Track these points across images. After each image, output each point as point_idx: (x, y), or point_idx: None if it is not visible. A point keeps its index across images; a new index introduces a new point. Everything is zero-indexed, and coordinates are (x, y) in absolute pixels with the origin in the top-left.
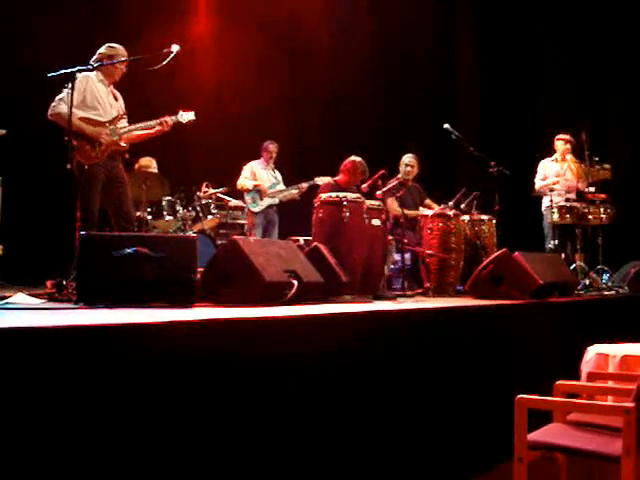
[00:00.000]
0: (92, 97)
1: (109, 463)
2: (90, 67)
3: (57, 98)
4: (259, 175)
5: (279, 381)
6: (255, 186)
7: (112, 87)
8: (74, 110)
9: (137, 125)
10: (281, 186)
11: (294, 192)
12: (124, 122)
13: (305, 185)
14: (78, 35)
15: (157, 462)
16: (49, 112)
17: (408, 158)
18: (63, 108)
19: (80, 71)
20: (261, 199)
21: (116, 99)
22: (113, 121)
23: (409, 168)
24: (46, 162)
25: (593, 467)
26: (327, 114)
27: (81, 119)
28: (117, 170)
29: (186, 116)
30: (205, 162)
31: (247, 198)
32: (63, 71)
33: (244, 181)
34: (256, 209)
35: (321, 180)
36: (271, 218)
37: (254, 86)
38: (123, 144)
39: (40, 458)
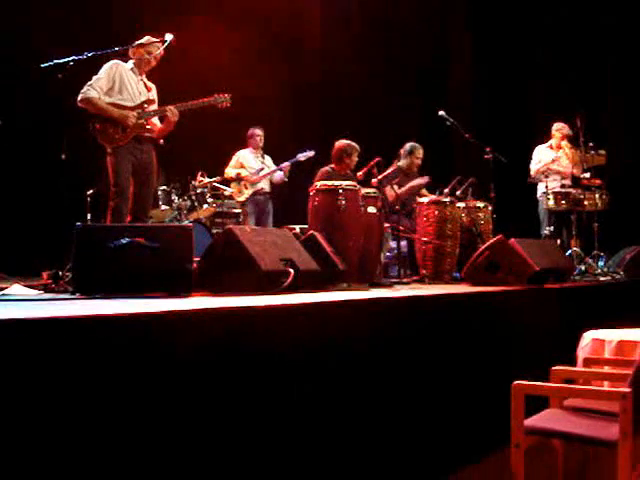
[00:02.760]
0: (121, 83)
1: (106, 456)
2: (84, 56)
3: (87, 84)
4: (247, 162)
5: (276, 369)
6: (237, 175)
7: (144, 77)
8: (103, 97)
9: (165, 107)
10: (267, 170)
11: (279, 174)
12: (154, 108)
13: (287, 164)
14: (71, 24)
15: (155, 455)
16: (79, 98)
17: (420, 151)
18: (93, 93)
19: (74, 61)
20: (245, 188)
21: (148, 89)
22: (140, 105)
23: (418, 161)
24: (40, 152)
25: (590, 452)
26: (323, 101)
27: (109, 104)
28: (146, 157)
29: (221, 100)
30: (200, 151)
31: (234, 188)
32: (56, 61)
33: (229, 170)
34: (241, 198)
35: (303, 156)
36: (262, 206)
37: (249, 74)
38: (149, 127)
39: (36, 450)
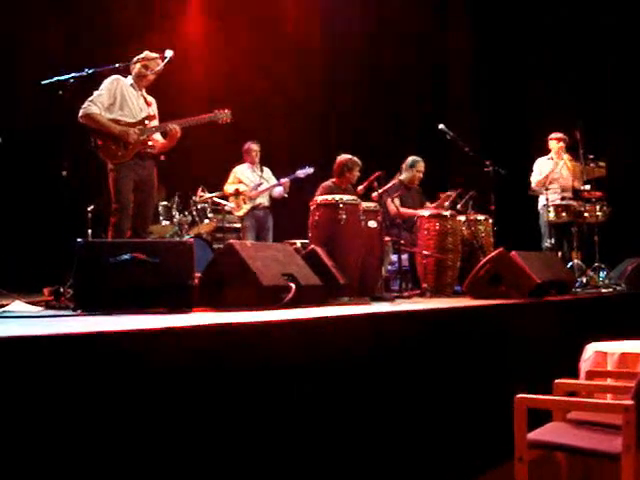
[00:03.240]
0: (122, 99)
1: (107, 470)
2: (85, 73)
3: (87, 100)
4: (244, 178)
5: (278, 385)
6: (236, 190)
7: (144, 92)
8: (104, 112)
9: (167, 123)
10: (267, 184)
11: (279, 189)
12: (155, 123)
13: (286, 180)
14: (71, 41)
15: (156, 470)
16: (80, 114)
17: (421, 165)
18: (94, 109)
19: (74, 78)
20: (244, 202)
21: (148, 104)
22: (141, 121)
23: (420, 174)
24: (41, 169)
25: (593, 465)
26: (323, 116)
27: (110, 120)
28: (147, 173)
29: (221, 116)
30: (201, 167)
31: (232, 202)
32: (57, 78)
33: (227, 187)
34: (240, 213)
35: (303, 172)
36: (262, 221)
37: (249, 88)
38: (151, 143)
39: (39, 466)
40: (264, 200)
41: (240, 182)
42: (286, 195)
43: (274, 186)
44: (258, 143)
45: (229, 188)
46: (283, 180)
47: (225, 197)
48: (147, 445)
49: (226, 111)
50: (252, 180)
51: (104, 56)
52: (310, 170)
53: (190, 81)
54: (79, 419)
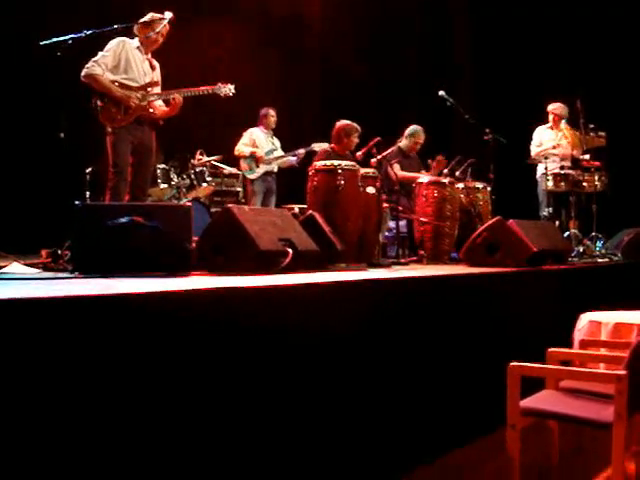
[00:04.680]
0: (126, 61)
1: (105, 444)
2: (83, 34)
3: (92, 60)
4: (259, 141)
5: (271, 349)
6: (252, 153)
7: (150, 56)
8: (107, 74)
9: (169, 92)
10: (279, 152)
11: (292, 159)
12: (157, 90)
13: (302, 151)
14: (70, 1)
15: (151, 439)
16: (82, 73)
17: (420, 135)
18: (97, 70)
19: (73, 39)
20: (257, 166)
21: (153, 68)
22: (144, 87)
23: (418, 145)
24: (39, 130)
25: (585, 433)
26: (323, 81)
27: (112, 82)
28: (146, 137)
29: (224, 89)
30: (200, 130)
31: (243, 165)
32: (55, 39)
33: (242, 147)
34: (252, 176)
35: (318, 146)
36: (270, 186)
37: (250, 53)
38: (151, 110)
39: (35, 436)
40: (275, 167)
41: (255, 145)
42: (297, 165)
43: (288, 155)
44: (275, 110)
45: (245, 149)
46: (299, 151)
47: (225, 160)
48: (142, 408)
49: (229, 85)
50: (264, 146)
51: (104, 17)
52: (325, 145)
53: (189, 49)
54: (76, 381)
